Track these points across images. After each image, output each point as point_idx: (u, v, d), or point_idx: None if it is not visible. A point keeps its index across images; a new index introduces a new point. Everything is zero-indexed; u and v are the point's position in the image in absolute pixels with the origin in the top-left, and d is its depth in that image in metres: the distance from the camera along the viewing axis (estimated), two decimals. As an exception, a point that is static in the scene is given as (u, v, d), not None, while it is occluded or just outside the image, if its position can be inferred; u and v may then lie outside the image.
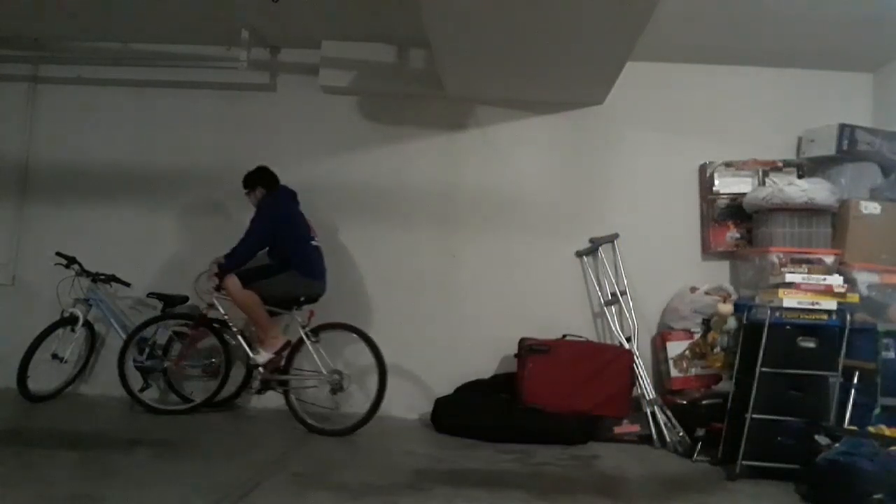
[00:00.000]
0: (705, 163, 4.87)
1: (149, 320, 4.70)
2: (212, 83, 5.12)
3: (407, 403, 4.84)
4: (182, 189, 5.15)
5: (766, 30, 4.37)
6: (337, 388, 4.37)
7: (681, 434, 4.24)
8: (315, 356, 4.38)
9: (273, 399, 4.58)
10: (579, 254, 4.94)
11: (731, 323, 4.17)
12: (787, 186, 4.40)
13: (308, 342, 4.37)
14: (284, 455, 3.75)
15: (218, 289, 4.46)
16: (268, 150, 5.05)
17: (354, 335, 4.38)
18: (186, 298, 4.70)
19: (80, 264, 4.84)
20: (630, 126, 4.97)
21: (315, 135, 5.13)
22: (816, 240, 4.39)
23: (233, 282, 4.26)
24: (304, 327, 4.40)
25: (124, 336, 4.68)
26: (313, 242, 4.49)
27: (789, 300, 3.69)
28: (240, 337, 4.56)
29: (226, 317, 4.60)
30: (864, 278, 4.18)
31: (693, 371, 4.51)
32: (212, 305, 4.55)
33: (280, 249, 4.45)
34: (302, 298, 4.43)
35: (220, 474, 3.32)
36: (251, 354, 4.41)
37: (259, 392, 4.48)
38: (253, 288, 4.28)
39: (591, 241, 4.91)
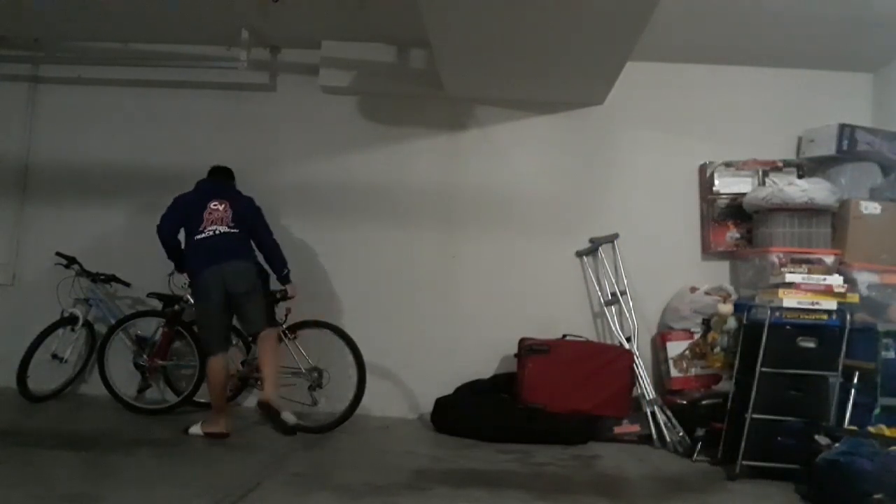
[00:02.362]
0: (705, 163, 4.87)
1: (127, 316, 4.71)
2: (212, 83, 5.11)
3: (407, 403, 4.86)
4: (182, 189, 5.11)
5: (766, 30, 4.37)
6: (316, 385, 4.37)
7: (681, 434, 4.24)
8: (293, 353, 4.37)
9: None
10: (579, 254, 4.93)
11: (731, 323, 4.16)
12: (787, 186, 4.40)
13: (285, 340, 4.35)
14: (284, 455, 3.75)
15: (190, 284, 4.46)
16: (268, 150, 5.06)
17: (332, 332, 4.36)
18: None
19: (80, 264, 4.84)
20: (630, 126, 4.97)
21: (315, 135, 5.12)
22: (816, 240, 4.39)
23: (216, 360, 4.06)
24: (281, 325, 4.37)
25: (125, 337, 4.69)
26: (201, 235, 4.08)
27: (789, 300, 3.69)
28: None
29: None
30: (864, 278, 4.18)
31: (693, 371, 4.51)
32: (186, 301, 4.55)
33: None
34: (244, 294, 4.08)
35: (220, 474, 3.33)
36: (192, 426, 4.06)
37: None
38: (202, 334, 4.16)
39: (591, 241, 4.90)
